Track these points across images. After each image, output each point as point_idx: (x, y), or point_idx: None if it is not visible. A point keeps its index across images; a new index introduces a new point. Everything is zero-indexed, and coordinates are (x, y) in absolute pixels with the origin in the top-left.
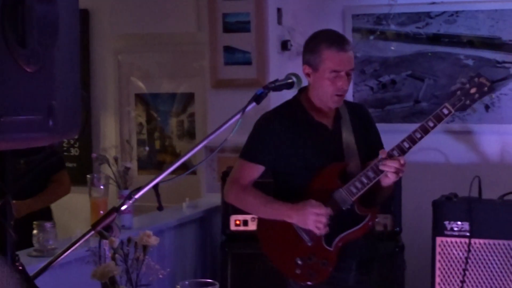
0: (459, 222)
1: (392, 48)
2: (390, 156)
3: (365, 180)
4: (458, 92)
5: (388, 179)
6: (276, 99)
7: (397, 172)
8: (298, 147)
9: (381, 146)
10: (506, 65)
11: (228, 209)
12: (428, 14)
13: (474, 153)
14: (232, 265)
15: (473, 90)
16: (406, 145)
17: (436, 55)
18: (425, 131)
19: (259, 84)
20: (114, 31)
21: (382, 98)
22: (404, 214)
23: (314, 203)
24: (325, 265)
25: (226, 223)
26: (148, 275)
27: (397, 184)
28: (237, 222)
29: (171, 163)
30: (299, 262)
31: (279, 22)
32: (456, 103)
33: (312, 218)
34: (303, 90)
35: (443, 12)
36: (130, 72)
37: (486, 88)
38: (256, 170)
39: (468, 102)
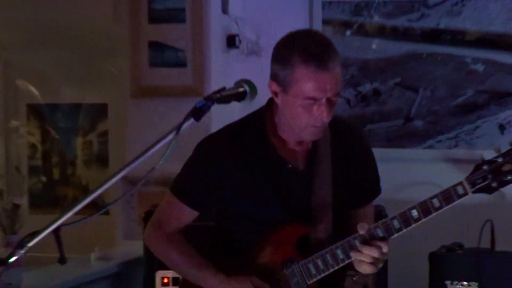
0: (465, 283)
1: (374, 46)
2: (370, 236)
3: (330, 260)
4: (485, 167)
5: (363, 268)
6: (219, 113)
7: (375, 263)
8: (248, 192)
9: (373, 194)
10: None
11: (153, 262)
12: (424, 3)
13: None
14: None
15: (506, 168)
16: (396, 225)
17: (434, 57)
18: (426, 211)
19: (196, 93)
20: None
21: (362, 114)
22: (392, 269)
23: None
24: None
25: (150, 281)
26: None
27: None
28: (165, 281)
29: (76, 200)
30: None
31: (224, 10)
32: (478, 182)
33: None
34: (271, 105)
35: (445, 0)
36: (20, 75)
37: None
38: (187, 214)
39: (495, 184)
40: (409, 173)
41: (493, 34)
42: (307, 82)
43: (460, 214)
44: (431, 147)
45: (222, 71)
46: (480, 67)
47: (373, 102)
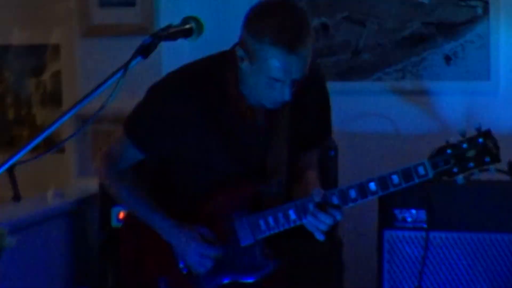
0: (413, 211)
1: None
2: (324, 202)
3: (281, 219)
4: (448, 151)
5: (314, 231)
6: (169, 51)
7: (326, 230)
8: (202, 141)
9: (323, 138)
10: (472, 2)
11: (109, 198)
12: None
13: (431, 119)
14: (115, 273)
15: (469, 154)
16: (352, 194)
17: None
18: (384, 186)
19: (145, 31)
20: None
21: None
22: None
23: (202, 238)
24: None
25: (106, 217)
26: (1, 286)
27: (332, 161)
28: (121, 216)
29: (30, 139)
30: (162, 286)
31: None
32: (440, 165)
33: (195, 258)
34: (236, 56)
35: None
36: None
37: (488, 159)
38: (139, 156)
39: (456, 170)
40: (358, 105)
41: None
42: (274, 63)
43: (408, 144)
44: (379, 79)
45: (171, 9)
46: (426, 0)
47: (321, 36)
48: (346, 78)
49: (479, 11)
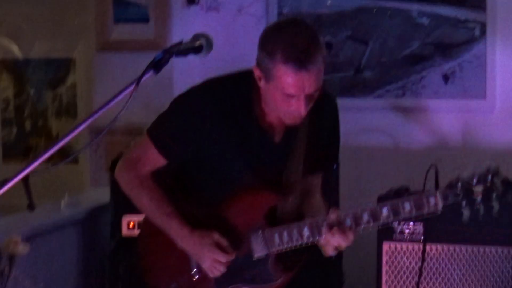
0: (411, 223)
1: (329, 2)
2: (339, 222)
3: (296, 236)
4: (459, 184)
5: (326, 250)
6: (181, 67)
7: (338, 249)
8: (223, 152)
9: (331, 164)
10: (470, 24)
11: (120, 208)
12: None
13: (429, 135)
14: (125, 280)
15: (478, 189)
16: (365, 217)
17: (383, 11)
18: (396, 212)
19: (158, 47)
20: None
21: None
22: (342, 211)
23: (216, 245)
24: None
25: (116, 225)
26: None
27: (334, 175)
28: (131, 225)
29: (46, 149)
30: None
31: None
32: (450, 196)
33: (209, 263)
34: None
35: None
36: None
37: (494, 194)
38: (162, 162)
39: (465, 202)
40: (360, 121)
41: None
42: (286, 80)
43: (407, 159)
44: (380, 96)
45: (183, 26)
46: (425, 21)
47: (326, 54)
48: (348, 95)
49: (477, 32)
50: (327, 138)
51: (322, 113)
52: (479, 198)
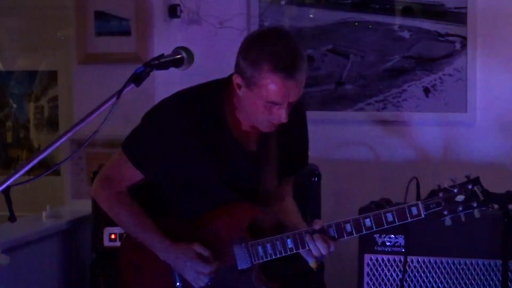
0: (392, 236)
1: (312, 16)
2: (322, 232)
3: (279, 247)
4: (440, 194)
5: (308, 259)
6: (163, 79)
7: (318, 257)
8: (198, 165)
9: (301, 166)
10: (451, 38)
11: (101, 219)
12: None
13: (410, 148)
14: None
15: (459, 199)
16: (348, 228)
17: (364, 25)
18: (379, 223)
19: (139, 60)
20: None
21: None
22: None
23: (198, 257)
24: None
25: (98, 237)
26: None
27: (315, 187)
28: (113, 237)
29: (27, 161)
30: None
31: None
32: (432, 206)
33: (192, 274)
34: (231, 84)
35: None
36: None
37: (476, 204)
38: (138, 176)
39: (446, 212)
40: (341, 134)
41: (418, 4)
42: (273, 89)
43: (388, 172)
44: (361, 109)
45: (164, 39)
46: (406, 34)
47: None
48: (329, 108)
49: (457, 46)
50: (297, 141)
51: (291, 117)
52: (460, 209)
